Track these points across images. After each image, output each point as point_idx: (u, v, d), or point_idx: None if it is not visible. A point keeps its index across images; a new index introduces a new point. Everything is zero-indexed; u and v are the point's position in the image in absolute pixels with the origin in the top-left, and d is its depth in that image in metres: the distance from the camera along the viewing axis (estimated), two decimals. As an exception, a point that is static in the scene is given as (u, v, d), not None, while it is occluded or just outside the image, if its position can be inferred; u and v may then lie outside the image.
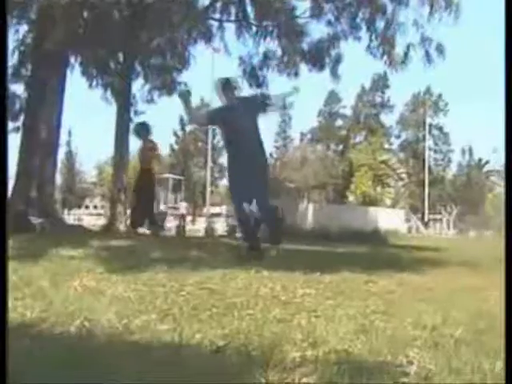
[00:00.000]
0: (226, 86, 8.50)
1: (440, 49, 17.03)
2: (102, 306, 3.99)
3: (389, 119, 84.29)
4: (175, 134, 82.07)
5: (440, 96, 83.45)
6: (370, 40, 17.56)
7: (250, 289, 5.05)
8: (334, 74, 18.84)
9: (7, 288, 3.41)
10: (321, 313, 4.07)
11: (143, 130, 14.29)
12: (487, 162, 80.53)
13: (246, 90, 19.54)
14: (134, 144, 15.26)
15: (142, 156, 14.00)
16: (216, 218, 40.29)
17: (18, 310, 3.80)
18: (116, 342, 3.12)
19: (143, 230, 14.18)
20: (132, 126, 14.55)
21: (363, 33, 17.77)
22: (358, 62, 22.36)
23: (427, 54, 17.02)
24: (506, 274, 3.31)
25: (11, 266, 5.95)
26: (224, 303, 4.29)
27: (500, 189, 60.79)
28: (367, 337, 3.39)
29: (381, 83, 79.97)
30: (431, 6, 15.90)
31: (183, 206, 36.10)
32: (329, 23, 18.14)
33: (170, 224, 29.30)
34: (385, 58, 17.55)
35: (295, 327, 3.55)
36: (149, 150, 13.96)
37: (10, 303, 3.97)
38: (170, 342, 3.15)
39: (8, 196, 15.54)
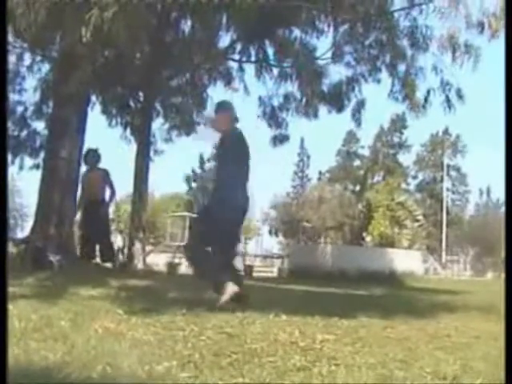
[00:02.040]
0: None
1: (460, 94, 17.06)
2: (123, 350, 4.00)
3: (406, 159, 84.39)
4: (193, 171, 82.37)
5: (458, 137, 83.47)
6: (393, 84, 17.65)
7: (268, 333, 5.05)
8: (356, 119, 18.91)
9: (7, 288, 3.43)
10: (340, 361, 4.07)
11: (92, 157, 14.25)
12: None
13: (265, 131, 19.71)
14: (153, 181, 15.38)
15: (88, 186, 13.97)
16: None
17: (41, 352, 3.80)
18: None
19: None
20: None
21: (385, 77, 17.89)
22: (376, 103, 22.40)
23: (447, 98, 17.06)
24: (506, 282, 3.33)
25: (31, 304, 6.02)
26: (243, 349, 4.29)
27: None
28: (387, 387, 3.40)
29: (399, 124, 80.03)
30: (452, 52, 15.95)
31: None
32: (348, 65, 18.28)
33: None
34: (406, 102, 17.62)
35: (316, 376, 3.55)
36: (96, 179, 13.92)
37: (33, 344, 4.01)
38: (192, 390, 3.17)
39: (27, 233, 15.67)
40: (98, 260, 14.44)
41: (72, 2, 11.42)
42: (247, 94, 19.46)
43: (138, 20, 11.67)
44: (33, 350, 3.82)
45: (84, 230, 14.26)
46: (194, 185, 77.43)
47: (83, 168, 14.92)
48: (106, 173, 13.90)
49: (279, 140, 19.91)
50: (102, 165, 14.24)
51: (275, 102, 19.48)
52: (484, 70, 17.06)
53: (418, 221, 38.42)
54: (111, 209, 14.36)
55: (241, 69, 19.21)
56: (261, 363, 3.83)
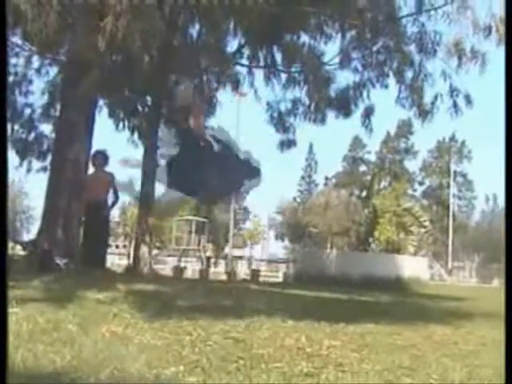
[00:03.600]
0: None
1: (468, 99, 17.03)
2: (131, 354, 4.00)
3: (412, 165, 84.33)
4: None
5: (464, 143, 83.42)
6: (400, 91, 17.62)
7: (275, 339, 5.05)
8: (364, 125, 18.87)
9: (7, 288, 3.44)
10: (347, 367, 4.06)
11: (99, 158, 13.86)
12: None
13: (272, 136, 19.73)
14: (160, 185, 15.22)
15: (92, 187, 13.52)
16: (238, 261, 40.30)
17: (49, 355, 3.80)
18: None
19: None
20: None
21: (392, 83, 17.85)
22: (383, 108, 22.36)
23: (455, 104, 17.03)
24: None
25: (38, 308, 6.03)
26: (250, 354, 4.30)
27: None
28: (394, 394, 3.40)
29: (405, 129, 79.97)
30: (459, 57, 15.90)
31: (209, 249, 35.80)
32: (356, 70, 18.27)
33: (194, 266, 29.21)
34: (414, 108, 17.60)
35: (323, 382, 3.55)
36: (102, 181, 13.61)
37: (40, 348, 4.01)
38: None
39: (34, 236, 15.67)
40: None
41: (84, 7, 11.47)
42: (257, 99, 19.47)
43: (152, 27, 11.68)
44: (41, 353, 3.83)
45: (83, 233, 14.01)
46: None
47: (90, 169, 14.82)
48: (112, 177, 13.71)
49: (286, 145, 19.91)
50: (109, 168, 14.07)
51: (283, 107, 19.48)
52: (491, 75, 17.04)
53: (424, 227, 38.38)
54: (117, 212, 14.21)
55: (250, 73, 19.21)
56: (268, 369, 3.83)
